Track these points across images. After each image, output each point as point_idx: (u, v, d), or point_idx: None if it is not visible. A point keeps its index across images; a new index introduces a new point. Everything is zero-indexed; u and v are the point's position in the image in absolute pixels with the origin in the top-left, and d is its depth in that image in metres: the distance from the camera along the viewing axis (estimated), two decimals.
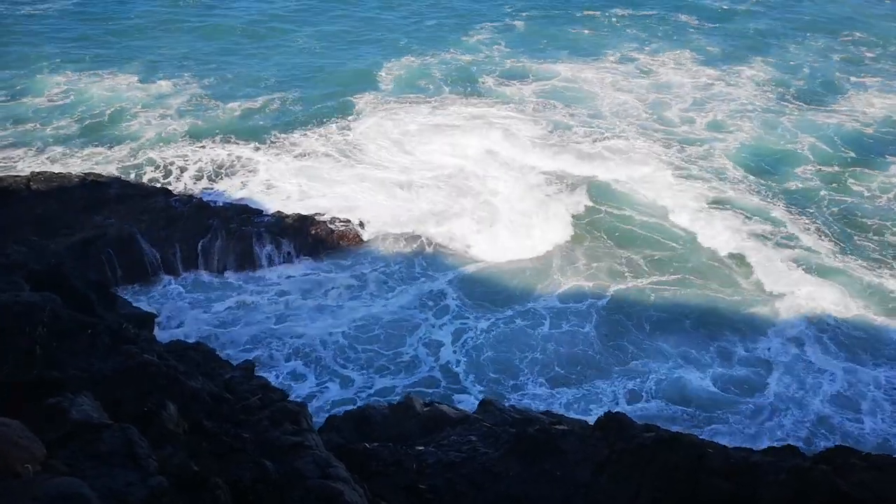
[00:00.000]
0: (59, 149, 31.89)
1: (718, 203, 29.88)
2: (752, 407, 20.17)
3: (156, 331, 18.96)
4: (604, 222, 28.63)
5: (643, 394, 20.51)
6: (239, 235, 24.69)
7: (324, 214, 26.89)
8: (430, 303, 24.15)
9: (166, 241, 24.08)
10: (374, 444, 12.83)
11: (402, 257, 26.10)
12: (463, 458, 12.50)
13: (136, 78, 40.22)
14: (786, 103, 40.71)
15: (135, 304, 20.17)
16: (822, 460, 10.50)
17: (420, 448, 12.89)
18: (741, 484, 10.24)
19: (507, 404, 16.42)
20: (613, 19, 54.81)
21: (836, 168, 33.66)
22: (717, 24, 54.80)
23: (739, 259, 26.55)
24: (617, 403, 19.98)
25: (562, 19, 54.97)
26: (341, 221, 26.53)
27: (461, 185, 30.50)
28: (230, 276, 24.62)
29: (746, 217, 28.89)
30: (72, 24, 48.79)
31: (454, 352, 21.88)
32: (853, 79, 44.69)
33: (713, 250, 27.03)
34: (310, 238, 25.60)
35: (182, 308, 22.83)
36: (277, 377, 20.19)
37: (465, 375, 20.95)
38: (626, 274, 25.73)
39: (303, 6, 55.41)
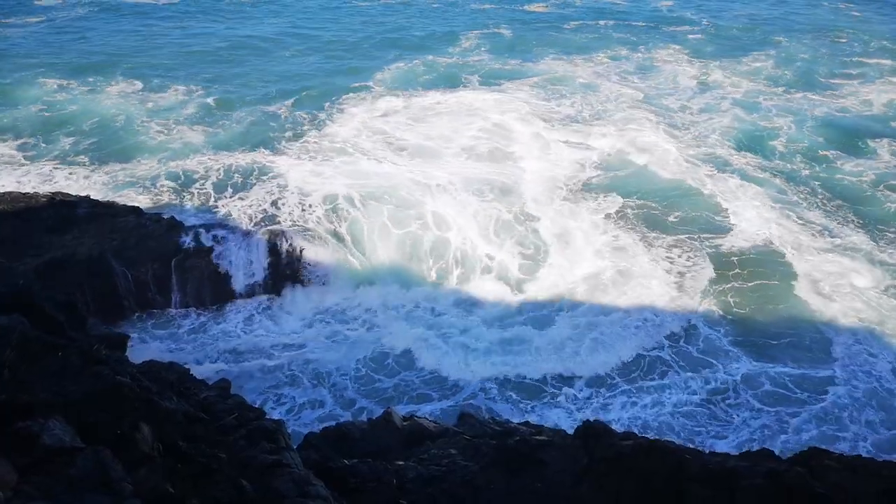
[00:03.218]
0: (64, 163, 31.57)
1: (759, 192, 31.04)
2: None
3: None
4: (636, 216, 29.13)
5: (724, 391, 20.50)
6: (213, 254, 24.44)
7: (299, 229, 26.73)
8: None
9: (138, 261, 23.70)
10: (354, 461, 12.71)
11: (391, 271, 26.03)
12: (443, 472, 12.45)
13: (139, 87, 40.55)
14: (780, 92, 42.95)
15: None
16: (797, 463, 10.67)
17: (400, 463, 12.81)
18: (719, 488, 10.35)
19: (486, 416, 16.40)
20: (601, 30, 56.36)
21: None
22: (705, 30, 56.97)
23: (784, 248, 27.05)
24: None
25: (549, 28, 56.61)
26: (318, 236, 26.41)
27: (483, 180, 30.92)
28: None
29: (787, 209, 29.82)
30: (58, 41, 48.75)
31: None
32: (839, 72, 47.08)
33: (763, 241, 27.46)
34: (284, 255, 25.41)
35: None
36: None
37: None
38: (677, 272, 25.76)
39: (292, 23, 55.93)
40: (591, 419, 14.88)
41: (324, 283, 25.38)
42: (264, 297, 24.77)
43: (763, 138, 36.63)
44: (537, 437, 13.46)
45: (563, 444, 13.00)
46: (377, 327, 23.30)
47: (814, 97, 42.16)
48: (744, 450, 13.34)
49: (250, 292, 24.76)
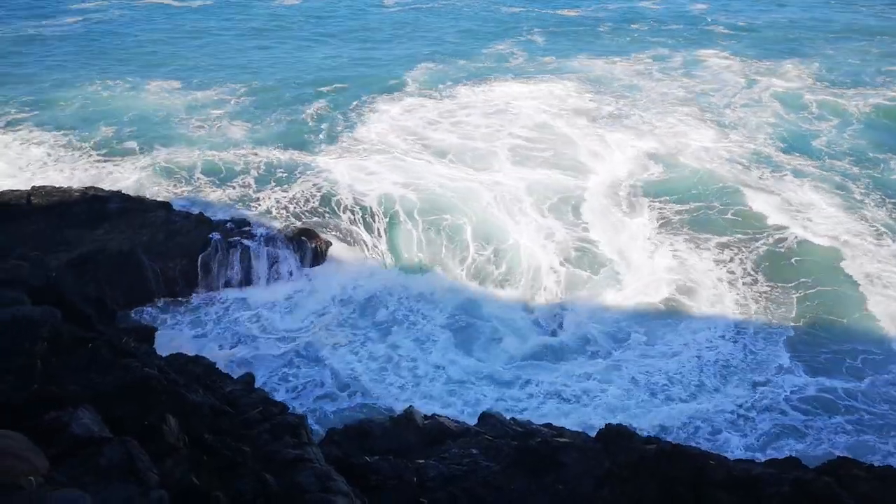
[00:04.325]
0: (104, 155, 32.18)
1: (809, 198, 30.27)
2: None
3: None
4: (692, 221, 28.45)
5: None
6: (240, 249, 24.74)
7: (325, 227, 26.89)
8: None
9: (166, 256, 24.07)
10: (375, 458, 12.77)
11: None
12: (464, 472, 12.44)
13: (176, 85, 41.26)
14: (828, 93, 42.15)
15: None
16: (825, 472, 10.48)
17: (421, 461, 12.84)
18: (743, 496, 10.21)
19: (507, 417, 16.35)
20: (636, 33, 55.87)
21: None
22: (744, 33, 55.94)
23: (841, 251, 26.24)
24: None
25: (583, 31, 56.28)
26: (341, 235, 26.59)
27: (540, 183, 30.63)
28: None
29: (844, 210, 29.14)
30: (96, 41, 49.97)
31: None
32: (886, 71, 46.01)
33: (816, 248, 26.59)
34: (310, 252, 25.61)
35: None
36: None
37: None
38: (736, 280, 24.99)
39: (323, 26, 56.40)
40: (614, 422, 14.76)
41: (344, 279, 25.29)
42: (287, 288, 24.86)
43: (813, 138, 35.87)
44: (559, 439, 13.39)
45: (585, 447, 12.91)
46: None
47: (862, 97, 41.12)
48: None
49: (274, 285, 24.88)
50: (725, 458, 12.46)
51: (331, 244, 25.92)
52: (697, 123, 37.37)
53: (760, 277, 25.01)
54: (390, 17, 60.23)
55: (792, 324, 22.85)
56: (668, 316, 23.41)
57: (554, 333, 22.92)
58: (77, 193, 25.34)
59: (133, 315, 22.43)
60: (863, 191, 30.52)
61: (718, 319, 23.10)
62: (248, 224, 26.15)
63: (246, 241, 25.05)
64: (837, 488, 9.94)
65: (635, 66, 46.46)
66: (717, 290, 24.40)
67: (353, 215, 27.74)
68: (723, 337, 22.30)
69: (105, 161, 31.60)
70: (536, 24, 58.13)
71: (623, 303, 23.93)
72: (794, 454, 17.00)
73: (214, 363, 16.49)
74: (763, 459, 15.39)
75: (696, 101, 40.53)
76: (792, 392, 20.00)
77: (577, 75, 44.32)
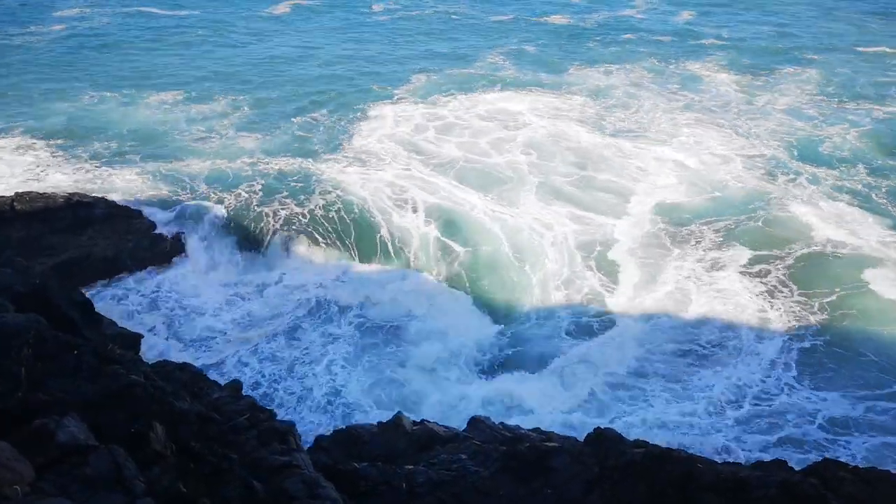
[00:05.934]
0: (101, 164, 31.53)
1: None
2: None
3: None
4: (726, 238, 27.59)
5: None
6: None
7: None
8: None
9: (151, 262, 23.94)
10: (364, 464, 12.73)
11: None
12: (453, 477, 12.43)
13: (171, 95, 40.67)
14: (831, 102, 42.27)
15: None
16: (811, 474, 10.57)
17: (410, 467, 12.80)
18: (731, 498, 10.28)
19: (497, 422, 16.35)
20: (628, 44, 55.73)
21: None
22: (734, 43, 55.85)
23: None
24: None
25: (574, 42, 56.07)
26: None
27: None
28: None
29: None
30: (85, 50, 49.23)
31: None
32: (883, 81, 46.15)
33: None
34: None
35: None
36: None
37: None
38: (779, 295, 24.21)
39: (313, 39, 56.04)
40: (602, 426, 14.79)
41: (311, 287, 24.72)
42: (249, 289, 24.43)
43: (826, 147, 35.55)
44: (547, 444, 13.40)
45: (574, 451, 12.93)
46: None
47: (866, 108, 41.09)
48: None
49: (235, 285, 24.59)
50: (713, 461, 12.54)
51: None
52: (713, 136, 36.70)
53: (798, 295, 24.15)
54: (380, 27, 59.93)
55: (826, 348, 21.84)
56: (699, 351, 22.16)
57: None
58: (62, 199, 25.13)
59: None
60: (885, 204, 29.87)
61: (753, 351, 21.91)
62: (234, 230, 26.11)
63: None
64: (823, 490, 10.04)
65: (631, 76, 46.22)
66: (763, 314, 23.35)
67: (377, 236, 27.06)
68: (756, 375, 20.88)
69: (98, 169, 30.87)
70: (526, 33, 58.10)
71: (653, 340, 22.63)
72: None
73: (202, 370, 16.37)
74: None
75: (704, 113, 40.11)
76: (821, 419, 19.10)
77: (576, 86, 43.93)
